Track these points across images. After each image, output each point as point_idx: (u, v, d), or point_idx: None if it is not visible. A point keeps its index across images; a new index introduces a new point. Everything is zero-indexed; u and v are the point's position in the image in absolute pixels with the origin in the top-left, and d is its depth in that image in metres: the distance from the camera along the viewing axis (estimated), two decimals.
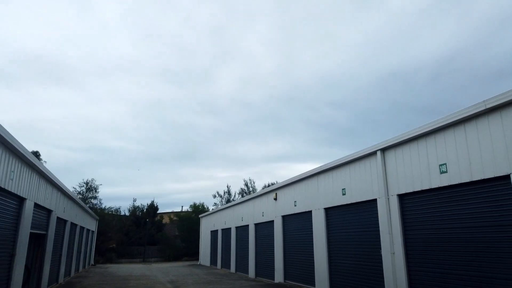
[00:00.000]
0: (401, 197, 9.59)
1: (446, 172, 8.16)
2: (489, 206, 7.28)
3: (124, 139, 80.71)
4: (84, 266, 26.51)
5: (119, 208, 43.64)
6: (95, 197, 40.98)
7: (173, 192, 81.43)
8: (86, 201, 38.43)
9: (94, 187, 41.01)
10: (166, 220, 46.89)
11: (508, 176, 6.83)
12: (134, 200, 45.11)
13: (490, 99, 7.08)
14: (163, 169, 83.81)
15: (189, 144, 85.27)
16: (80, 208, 22.00)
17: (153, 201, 43.94)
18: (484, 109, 7.22)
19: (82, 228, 23.66)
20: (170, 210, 51.43)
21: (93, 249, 32.32)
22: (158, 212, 44.97)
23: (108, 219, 37.88)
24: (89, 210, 26.18)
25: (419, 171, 8.93)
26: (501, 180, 7.01)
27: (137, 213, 42.82)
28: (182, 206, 51.54)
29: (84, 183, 40.59)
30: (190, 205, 45.44)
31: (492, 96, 7.04)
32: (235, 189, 56.59)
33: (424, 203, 8.88)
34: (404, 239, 9.37)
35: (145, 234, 39.61)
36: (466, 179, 7.66)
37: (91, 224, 29.09)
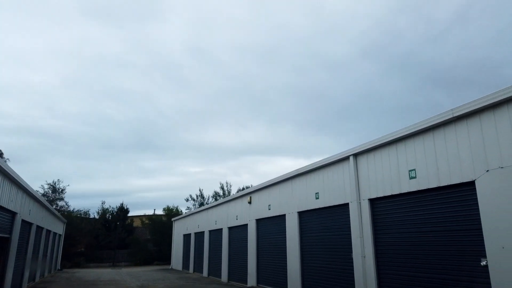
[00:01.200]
0: (372, 201, 9.82)
1: (415, 177, 8.42)
2: (455, 211, 7.56)
3: (64, 117, 66.89)
4: (50, 271, 25.52)
5: (88, 211, 42.33)
6: (62, 199, 39.54)
7: (139, 189, 74.70)
8: (53, 203, 37.04)
9: (60, 188, 39.58)
10: (137, 223, 45.87)
11: (473, 182, 7.12)
12: (103, 203, 43.80)
13: (457, 108, 7.38)
14: (124, 159, 75.08)
15: (148, 126, 73.65)
16: (47, 210, 21.18)
17: (122, 204, 42.97)
18: (452, 117, 7.51)
19: (48, 231, 22.78)
20: (141, 213, 50.38)
21: (60, 253, 31.17)
22: (129, 215, 43.98)
23: (76, 222, 36.64)
24: (56, 213, 25.26)
25: (390, 176, 9.17)
26: (466, 186, 7.30)
27: (107, 216, 41.68)
28: (154, 209, 50.48)
29: (50, 184, 39.11)
30: (163, 208, 44.73)
31: (459, 105, 7.34)
32: (208, 192, 55.98)
33: (394, 207, 9.12)
34: (374, 242, 9.58)
35: (115, 237, 38.61)
36: (434, 184, 7.94)
37: (58, 227, 28.05)
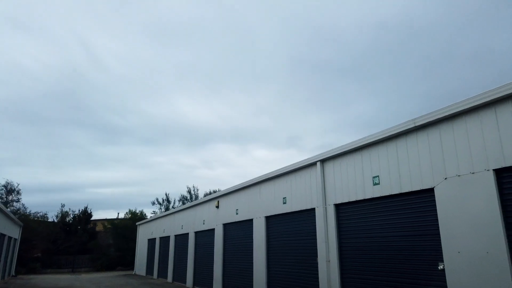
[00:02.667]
0: (338, 206, 10.03)
1: (378, 184, 8.70)
2: (415, 217, 7.87)
3: None
4: (3, 277, 24.09)
5: (46, 214, 40.43)
6: (18, 200, 37.53)
7: (91, 183, 65.09)
8: (8, 205, 35.08)
9: (15, 189, 37.56)
10: (100, 227, 44.29)
11: (432, 190, 7.45)
12: (63, 206, 41.93)
13: (419, 117, 7.71)
14: (61, 140, 61.77)
15: (75, 84, 54.91)
16: (1, 212, 20.04)
17: (86, 207, 41.40)
18: (413, 127, 7.84)
19: (3, 235, 21.54)
20: (102, 217, 48.74)
21: (15, 259, 29.52)
22: (91, 219, 42.39)
23: (33, 226, 34.86)
24: (12, 215, 23.94)
25: (355, 182, 9.42)
26: (426, 193, 7.63)
27: (67, 220, 39.96)
28: (118, 213, 49.09)
29: (3, 185, 37.04)
30: (127, 212, 43.55)
31: (421, 115, 7.68)
32: (175, 192, 54.88)
33: (358, 212, 9.37)
34: (339, 247, 9.78)
35: (76, 242, 37.05)
36: (396, 191, 8.24)
37: (14, 231, 26.58)
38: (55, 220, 40.17)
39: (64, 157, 67.49)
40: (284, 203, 12.28)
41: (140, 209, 44.11)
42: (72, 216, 40.46)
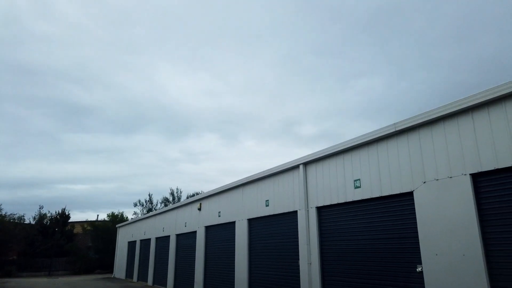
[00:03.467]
0: (320, 209, 10.10)
1: (360, 187, 8.81)
2: (395, 220, 8.00)
3: None
4: None
5: (23, 216, 39.27)
6: None
7: (60, 179, 55.56)
8: None
9: None
10: (78, 229, 43.32)
11: (411, 193, 7.59)
12: (41, 207, 40.73)
13: (400, 122, 7.86)
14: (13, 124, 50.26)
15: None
16: None
17: (64, 209, 40.41)
18: (394, 131, 7.98)
19: None
20: (83, 219, 47.69)
21: None
22: (70, 221, 41.39)
23: (8, 228, 33.80)
24: None
25: (337, 185, 9.51)
26: (405, 196, 7.77)
27: (45, 222, 38.90)
28: (97, 215, 48.16)
29: None
30: (108, 214, 42.79)
31: (402, 120, 7.83)
32: (157, 197, 53.81)
33: (339, 215, 9.46)
34: (320, 249, 9.84)
35: (53, 244, 36.11)
36: (376, 194, 8.35)
37: None
38: (32, 222, 39.07)
39: (25, 146, 56.79)
40: (267, 205, 12.28)
41: (121, 211, 43.42)
42: (49, 218, 39.41)
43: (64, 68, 51.61)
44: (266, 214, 12.30)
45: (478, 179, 6.54)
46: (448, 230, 6.75)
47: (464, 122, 6.79)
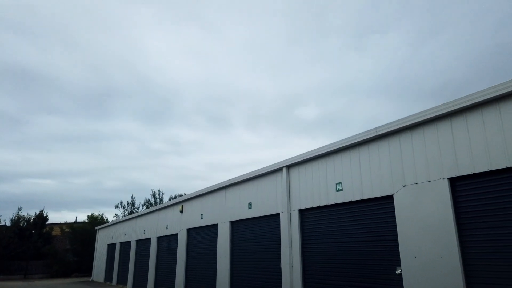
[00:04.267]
0: (302, 212, 10.15)
1: (341, 190, 8.90)
2: (375, 222, 8.11)
3: None
4: None
5: None
6: None
7: (25, 173, 46.02)
8: None
9: None
10: (57, 232, 42.26)
11: (391, 196, 7.72)
12: (20, 209, 39.54)
13: (381, 126, 7.98)
14: None
15: None
16: None
17: (42, 211, 39.38)
18: (375, 135, 8.10)
19: None
20: (62, 221, 46.52)
21: None
22: (48, 223, 40.34)
23: None
24: None
25: (319, 188, 9.58)
26: (386, 200, 7.89)
27: (21, 224, 37.79)
28: (76, 217, 47.05)
29: None
30: (88, 216, 41.93)
31: (383, 124, 7.96)
32: (139, 198, 52.50)
33: (321, 218, 9.53)
34: (302, 252, 9.88)
35: (30, 247, 35.10)
36: (358, 197, 8.45)
37: None
38: (7, 224, 37.89)
39: None
40: (250, 208, 12.27)
41: (101, 212, 42.57)
42: (26, 220, 38.32)
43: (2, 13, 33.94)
44: (249, 217, 12.28)
45: (455, 183, 6.70)
46: (426, 233, 6.89)
47: (443, 128, 6.96)
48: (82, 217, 41.66)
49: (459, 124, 6.71)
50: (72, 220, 45.50)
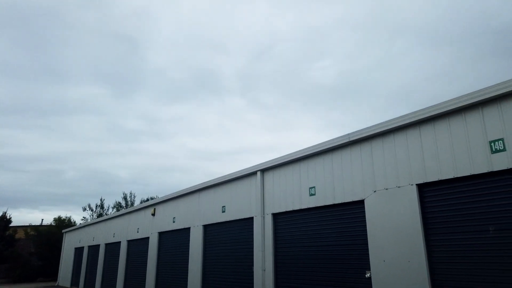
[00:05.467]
0: (275, 216, 10.20)
1: (314, 194, 9.01)
2: (347, 227, 8.25)
3: None
4: None
5: None
6: None
7: None
8: None
9: None
10: (21, 234, 40.47)
11: (362, 201, 7.89)
12: None
13: (353, 133, 8.16)
14: None
15: None
16: None
17: (5, 213, 37.64)
18: (348, 141, 8.27)
19: None
20: (27, 223, 44.57)
21: None
22: (12, 225, 38.56)
23: None
24: None
25: (292, 192, 9.66)
26: (357, 204, 8.05)
27: None
28: (42, 219, 45.17)
29: None
30: (54, 218, 40.41)
31: (355, 130, 8.14)
32: (109, 202, 50.82)
33: (294, 222, 9.60)
34: (274, 256, 9.92)
35: None
36: (330, 201, 8.58)
37: None
38: None
39: None
40: (223, 211, 12.21)
41: (68, 215, 41.13)
42: None
43: None
44: (222, 220, 12.21)
45: (423, 189, 6.93)
46: (395, 237, 7.08)
47: (412, 136, 7.19)
48: (49, 219, 38.47)
49: (427, 132, 6.96)
50: (38, 222, 43.72)
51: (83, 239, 26.61)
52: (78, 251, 27.29)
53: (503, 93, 5.92)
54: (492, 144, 6.03)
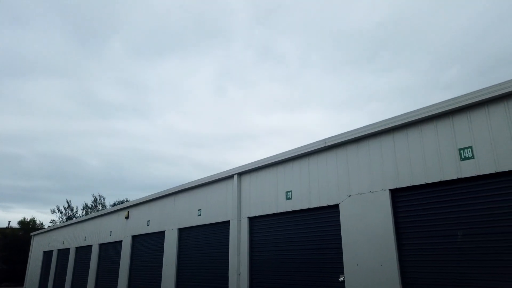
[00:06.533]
0: (252, 219, 10.20)
1: (291, 198, 9.08)
2: (322, 231, 8.36)
3: None
4: None
5: None
6: None
7: None
8: None
9: None
10: None
11: (337, 206, 8.01)
12: None
13: (329, 138, 8.29)
14: None
15: None
16: None
17: None
18: (324, 146, 8.39)
19: None
20: None
21: None
22: None
23: None
24: None
25: (269, 196, 9.69)
26: (332, 209, 8.17)
27: None
28: (9, 222, 43.36)
29: None
30: (19, 221, 38.86)
31: (331, 136, 8.27)
32: (77, 204, 49.21)
33: (270, 226, 9.63)
34: (250, 260, 9.91)
35: None
36: (306, 206, 8.67)
37: None
38: None
39: None
40: (199, 215, 12.10)
41: (33, 217, 39.62)
42: None
43: None
44: (198, 224, 12.10)
45: (396, 194, 7.12)
46: (368, 241, 7.23)
47: (386, 142, 7.37)
48: (11, 217, 35.90)
49: (400, 139, 7.16)
50: (4, 224, 41.90)
51: (52, 242, 25.72)
52: (47, 254, 26.35)
53: (471, 103, 6.17)
54: (462, 151, 6.27)
